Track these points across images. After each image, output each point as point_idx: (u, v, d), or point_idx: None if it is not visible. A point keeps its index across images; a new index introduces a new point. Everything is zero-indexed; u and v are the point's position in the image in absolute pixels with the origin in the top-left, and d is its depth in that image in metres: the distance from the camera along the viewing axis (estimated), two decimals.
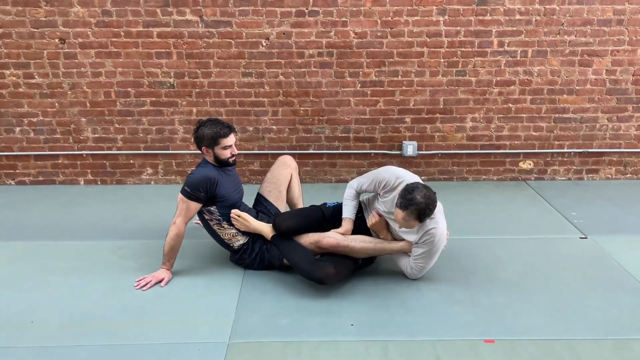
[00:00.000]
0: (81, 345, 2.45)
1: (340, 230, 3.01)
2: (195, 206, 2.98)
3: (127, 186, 4.50)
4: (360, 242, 2.97)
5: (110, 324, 2.62)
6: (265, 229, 3.06)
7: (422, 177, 4.56)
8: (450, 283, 2.98)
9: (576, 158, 4.56)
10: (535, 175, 4.61)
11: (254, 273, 3.10)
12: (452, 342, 2.47)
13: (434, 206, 2.72)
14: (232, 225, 3.09)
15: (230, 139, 3.01)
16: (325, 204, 3.21)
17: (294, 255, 2.94)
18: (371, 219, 3.00)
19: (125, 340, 2.50)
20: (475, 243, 3.45)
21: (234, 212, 3.04)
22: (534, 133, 4.48)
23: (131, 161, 4.46)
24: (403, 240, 2.97)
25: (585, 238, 3.52)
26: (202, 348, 2.44)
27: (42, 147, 4.40)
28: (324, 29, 4.15)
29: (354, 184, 3.11)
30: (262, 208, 3.29)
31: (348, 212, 3.07)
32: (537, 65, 4.29)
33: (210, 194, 2.98)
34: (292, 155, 4.43)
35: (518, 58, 4.27)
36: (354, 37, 4.19)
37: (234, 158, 3.08)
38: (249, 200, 3.31)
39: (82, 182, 4.52)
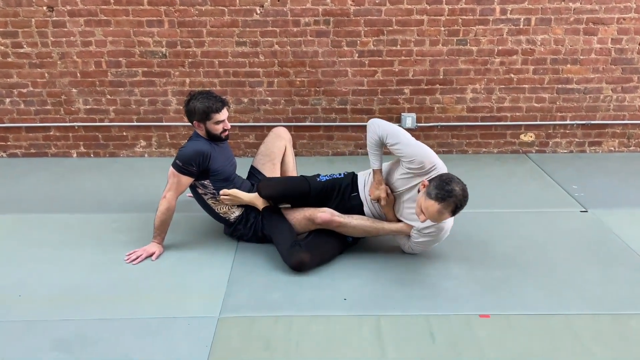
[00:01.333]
0: (69, 320, 2.40)
1: (374, 184, 2.83)
2: (187, 180, 2.91)
3: (121, 159, 4.43)
4: (357, 220, 2.87)
5: (99, 298, 2.57)
6: (257, 200, 2.99)
7: None
8: (446, 257, 2.92)
9: (579, 130, 4.46)
10: (537, 148, 4.51)
11: (246, 248, 3.05)
12: (446, 317, 2.42)
13: (466, 202, 2.54)
14: None
15: (223, 114, 2.92)
16: (318, 175, 3.09)
17: (276, 235, 2.90)
18: (378, 194, 2.81)
19: (115, 315, 2.45)
20: (473, 217, 3.36)
21: (223, 192, 2.97)
22: (535, 104, 4.36)
23: (124, 133, 4.38)
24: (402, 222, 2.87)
25: (586, 212, 3.45)
26: (192, 322, 2.40)
27: (33, 119, 4.32)
28: None
29: (378, 131, 2.73)
30: (255, 181, 3.22)
31: (376, 162, 2.80)
32: (540, 33, 4.15)
33: (203, 168, 2.91)
34: (288, 127, 4.35)
35: (521, 26, 4.13)
36: (351, 5, 4.05)
37: (226, 133, 3.01)
38: (242, 173, 3.24)
39: (75, 155, 4.45)
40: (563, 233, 3.19)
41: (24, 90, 4.22)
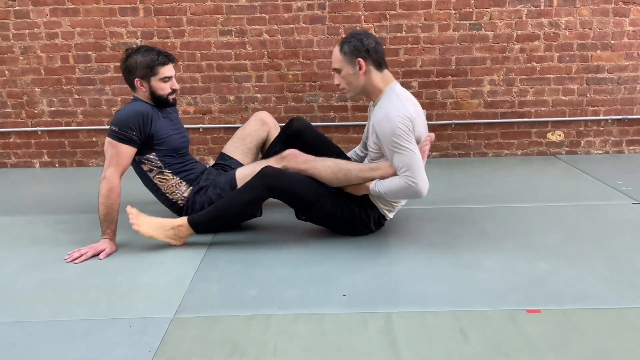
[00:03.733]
0: None
1: None
2: (128, 150, 2.35)
3: (90, 168, 3.87)
4: (328, 159, 2.35)
5: (19, 299, 1.97)
6: (180, 222, 2.38)
7: (433, 154, 3.90)
8: (472, 250, 2.29)
9: (614, 127, 3.87)
10: (567, 149, 3.91)
11: (221, 241, 2.44)
12: (481, 313, 1.78)
13: (363, 41, 2.20)
14: (177, 173, 2.49)
15: (170, 69, 2.44)
16: None
17: (235, 198, 2.35)
18: None
19: (33, 317, 1.84)
20: (503, 211, 2.77)
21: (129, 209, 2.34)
22: (563, 97, 3.81)
23: (94, 139, 3.83)
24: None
25: (639, 204, 2.83)
26: (136, 324, 1.77)
27: None
28: None
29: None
30: (221, 167, 2.68)
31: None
32: (564, 15, 3.65)
33: (145, 135, 2.38)
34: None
35: (542, 7, 3.64)
36: None
37: (174, 95, 2.49)
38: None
39: (38, 165, 3.89)
40: (618, 224, 2.56)
41: None
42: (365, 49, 2.19)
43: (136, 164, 2.49)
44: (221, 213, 2.35)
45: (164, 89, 2.44)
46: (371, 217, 2.40)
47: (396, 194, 2.21)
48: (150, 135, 2.40)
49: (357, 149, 2.68)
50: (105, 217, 2.33)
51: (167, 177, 2.49)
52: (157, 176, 2.49)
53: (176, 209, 2.56)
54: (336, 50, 2.25)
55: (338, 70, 2.27)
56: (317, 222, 2.45)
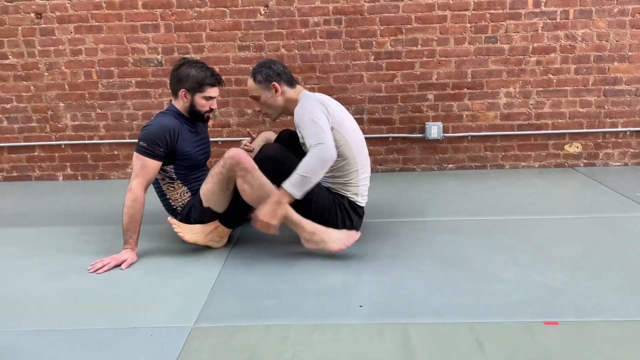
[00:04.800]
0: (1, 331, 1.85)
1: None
2: (154, 164, 2.41)
3: (111, 181, 3.95)
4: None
5: (41, 308, 2.02)
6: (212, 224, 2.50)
7: (450, 165, 3.91)
8: (488, 262, 2.30)
9: (633, 139, 3.85)
10: (585, 161, 3.90)
11: (240, 250, 2.50)
12: (497, 325, 1.78)
13: (272, 67, 2.44)
14: (188, 184, 2.56)
15: (215, 91, 2.55)
16: None
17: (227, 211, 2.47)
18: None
19: (55, 326, 1.88)
20: (520, 223, 2.77)
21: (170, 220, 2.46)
22: (580, 109, 3.80)
23: (115, 152, 3.92)
24: None
25: None
26: (157, 333, 1.80)
27: (17, 138, 3.91)
28: None
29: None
30: None
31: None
32: (580, 27, 3.66)
33: (171, 149, 2.44)
34: None
35: (558, 20, 3.65)
36: (365, 1, 3.65)
37: (210, 114, 2.60)
38: None
39: (61, 178, 3.99)
40: (636, 236, 2.54)
41: (7, 106, 3.85)
42: (276, 74, 2.44)
43: None
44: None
45: (204, 106, 2.52)
46: (344, 207, 2.46)
47: (313, 167, 2.21)
48: (174, 150, 2.46)
49: None
50: (127, 227, 2.39)
51: (176, 187, 2.55)
52: (167, 184, 2.55)
53: (171, 212, 2.62)
54: (250, 82, 2.47)
55: (257, 98, 2.49)
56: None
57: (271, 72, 2.43)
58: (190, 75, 2.47)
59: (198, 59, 3.71)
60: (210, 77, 2.50)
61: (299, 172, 2.23)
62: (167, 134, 2.41)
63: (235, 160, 2.31)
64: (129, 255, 2.39)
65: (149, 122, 2.49)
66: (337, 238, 2.33)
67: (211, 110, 2.57)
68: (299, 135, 2.40)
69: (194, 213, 2.50)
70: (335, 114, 2.41)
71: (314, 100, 2.40)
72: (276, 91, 2.45)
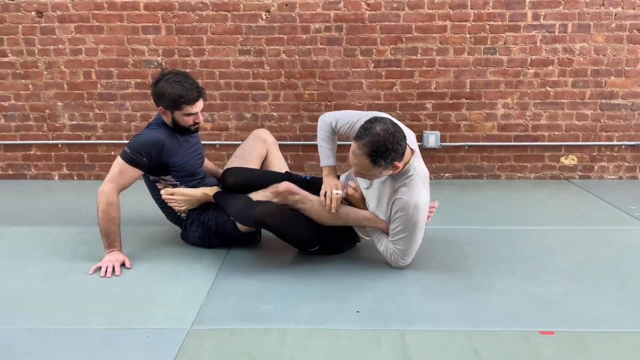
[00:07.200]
0: None
1: (325, 186, 2.33)
2: (132, 172, 2.37)
3: None
4: (321, 198, 2.34)
5: (37, 308, 2.01)
6: (211, 192, 2.50)
7: (446, 174, 3.93)
8: (484, 271, 2.31)
9: (628, 152, 3.88)
10: (580, 173, 3.93)
11: (237, 254, 2.49)
12: (494, 333, 1.80)
13: (396, 148, 2.01)
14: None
15: (197, 106, 2.43)
16: (299, 175, 2.62)
17: (232, 202, 2.39)
18: (348, 190, 2.35)
19: (51, 325, 1.88)
20: (516, 233, 2.78)
21: (164, 192, 2.44)
22: (577, 122, 3.83)
23: (112, 152, 3.91)
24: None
25: None
26: (153, 335, 1.80)
27: (13, 136, 3.89)
28: (331, 0, 3.66)
29: (328, 117, 2.43)
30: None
31: (327, 159, 2.43)
32: (578, 41, 3.70)
33: (160, 162, 2.41)
34: (296, 146, 3.91)
35: (556, 33, 3.69)
36: (366, 9, 3.67)
37: (197, 126, 2.52)
38: None
39: (57, 177, 3.97)
40: (631, 249, 2.57)
41: (5, 104, 3.83)
42: (400, 154, 2.07)
43: (150, 182, 2.53)
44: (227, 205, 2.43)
45: (186, 122, 2.45)
46: (346, 240, 2.52)
47: (381, 252, 2.34)
48: (166, 163, 2.42)
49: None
50: (108, 231, 2.36)
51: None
52: None
53: (175, 220, 2.60)
54: (367, 163, 2.04)
55: (370, 177, 2.18)
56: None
57: (396, 156, 2.04)
58: (166, 93, 2.36)
59: (199, 66, 3.74)
60: (186, 94, 2.36)
61: (376, 243, 2.36)
62: (153, 147, 2.36)
63: (287, 189, 2.38)
64: (121, 255, 2.37)
65: (141, 132, 2.46)
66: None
67: (196, 123, 2.49)
68: (385, 204, 2.26)
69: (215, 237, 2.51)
70: None
71: (424, 191, 2.21)
72: (396, 168, 2.12)
